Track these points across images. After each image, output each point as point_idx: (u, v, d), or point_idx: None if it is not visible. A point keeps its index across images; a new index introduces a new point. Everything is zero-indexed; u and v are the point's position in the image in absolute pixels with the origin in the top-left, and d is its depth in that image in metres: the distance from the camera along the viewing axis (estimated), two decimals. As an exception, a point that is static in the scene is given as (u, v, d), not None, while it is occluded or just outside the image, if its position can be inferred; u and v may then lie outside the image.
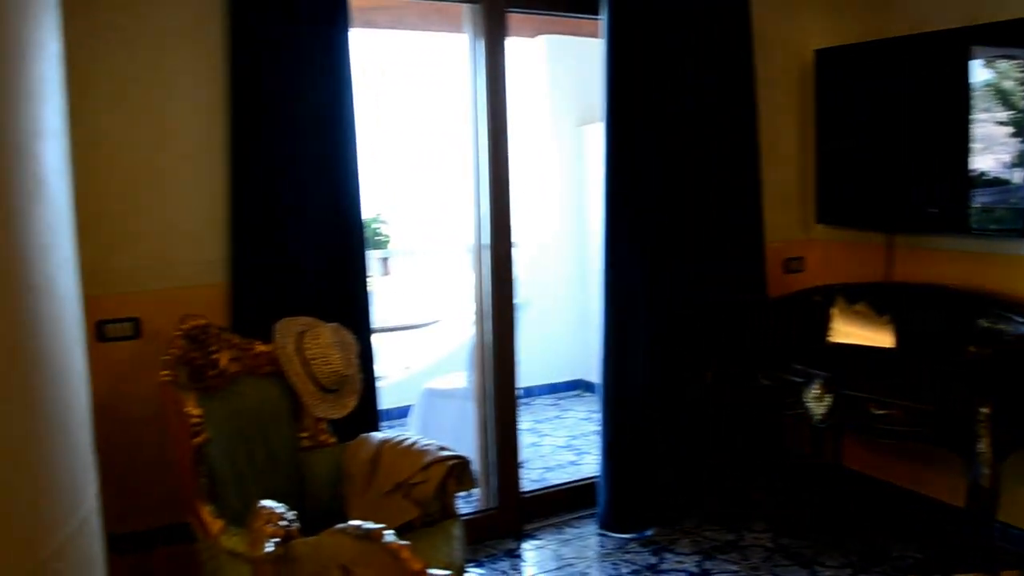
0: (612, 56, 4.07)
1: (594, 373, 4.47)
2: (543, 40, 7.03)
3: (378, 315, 4.03)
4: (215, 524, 2.68)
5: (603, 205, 4.14)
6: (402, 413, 6.16)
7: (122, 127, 3.25)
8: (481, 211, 4.13)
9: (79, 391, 1.11)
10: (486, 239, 4.13)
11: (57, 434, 1.03)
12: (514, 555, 4.13)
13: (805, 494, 4.70)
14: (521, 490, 4.41)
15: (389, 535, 1.59)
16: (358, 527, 1.66)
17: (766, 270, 4.58)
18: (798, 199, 4.93)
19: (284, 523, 1.99)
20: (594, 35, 4.19)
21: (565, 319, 7.16)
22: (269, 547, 1.92)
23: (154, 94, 3.32)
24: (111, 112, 3.22)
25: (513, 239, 4.23)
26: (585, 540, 4.25)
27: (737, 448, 4.49)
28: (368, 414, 3.59)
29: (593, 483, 4.44)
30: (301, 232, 3.47)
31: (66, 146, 1.12)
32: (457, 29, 4.21)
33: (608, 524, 4.31)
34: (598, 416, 4.27)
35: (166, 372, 2.75)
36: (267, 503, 2.08)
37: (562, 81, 7.17)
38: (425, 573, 1.51)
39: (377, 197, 7.30)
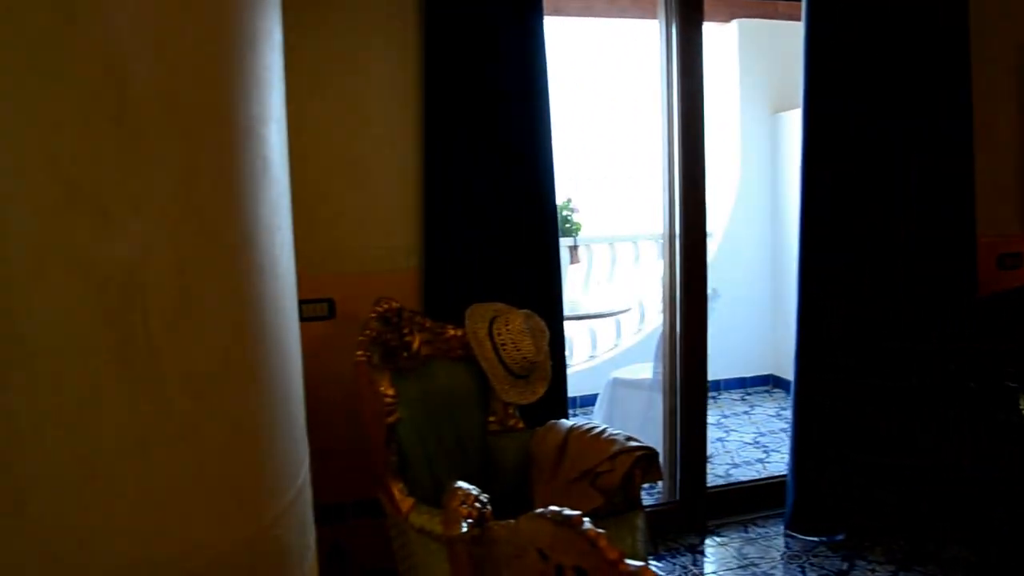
0: (813, 38, 3.90)
1: (785, 369, 4.33)
2: (735, 25, 6.88)
3: (567, 303, 4.05)
4: (405, 501, 2.77)
5: (800, 194, 3.99)
6: (587, 401, 6.18)
7: (322, 114, 3.40)
8: (674, 199, 4.07)
9: (296, 366, 1.16)
10: (678, 228, 4.08)
11: (278, 407, 1.08)
12: (696, 550, 4.07)
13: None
14: (707, 485, 4.33)
15: (587, 523, 1.59)
16: (557, 512, 1.67)
17: (977, 266, 4.28)
18: (1016, 190, 4.60)
19: (478, 504, 2.03)
20: (792, 17, 4.05)
21: (756, 312, 6.98)
22: (463, 527, 1.96)
23: (352, 82, 3.45)
24: (312, 99, 3.37)
25: (706, 228, 4.15)
26: (770, 540, 4.13)
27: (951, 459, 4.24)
28: (557, 401, 3.61)
29: (781, 482, 4.30)
30: (494, 218, 3.53)
31: (286, 132, 1.17)
32: (647, 15, 4.17)
33: (795, 525, 4.16)
34: (789, 414, 4.14)
35: (361, 352, 2.85)
36: (462, 484, 2.12)
37: (755, 66, 6.98)
38: (622, 563, 1.50)
39: (568, 184, 7.34)
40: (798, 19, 3.97)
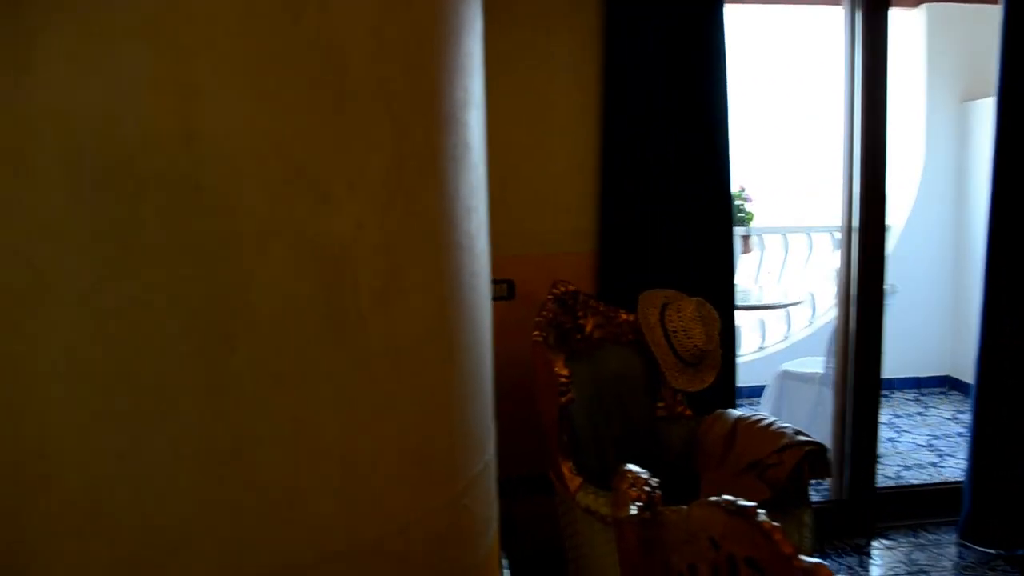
0: (1011, 22, 3.64)
1: (963, 371, 4.11)
2: (924, 10, 6.54)
3: (737, 292, 3.98)
4: (574, 480, 2.79)
5: (990, 187, 3.75)
6: (754, 392, 6.05)
7: (505, 100, 3.45)
8: (852, 191, 3.92)
9: (488, 344, 1.19)
10: (856, 221, 3.93)
11: (472, 382, 1.11)
12: (863, 552, 3.92)
13: None
14: (876, 486, 4.17)
15: (763, 514, 1.57)
16: (732, 502, 1.65)
17: None
18: None
19: (648, 488, 2.02)
20: (986, 1, 3.81)
21: (935, 311, 6.63)
22: (633, 510, 1.96)
23: (535, 69, 3.49)
24: (496, 86, 3.42)
25: (886, 222, 3.98)
26: (942, 548, 3.93)
27: None
28: (725, 390, 3.56)
29: (956, 488, 4.09)
30: (669, 205, 3.50)
31: (484, 118, 1.20)
32: (831, 1, 4.02)
33: (970, 535, 3.93)
34: (966, 418, 3.92)
35: (538, 333, 2.89)
36: (632, 466, 2.12)
37: (944, 53, 6.60)
38: (797, 558, 1.46)
39: (742, 173, 7.18)
40: (992, 2, 3.73)
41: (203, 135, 0.85)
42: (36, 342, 0.84)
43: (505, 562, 1.30)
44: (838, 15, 3.94)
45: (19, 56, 0.81)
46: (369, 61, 0.94)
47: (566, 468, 2.81)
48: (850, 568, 3.76)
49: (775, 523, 1.54)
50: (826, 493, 4.23)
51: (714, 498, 1.81)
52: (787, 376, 5.26)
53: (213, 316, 0.87)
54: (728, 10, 3.53)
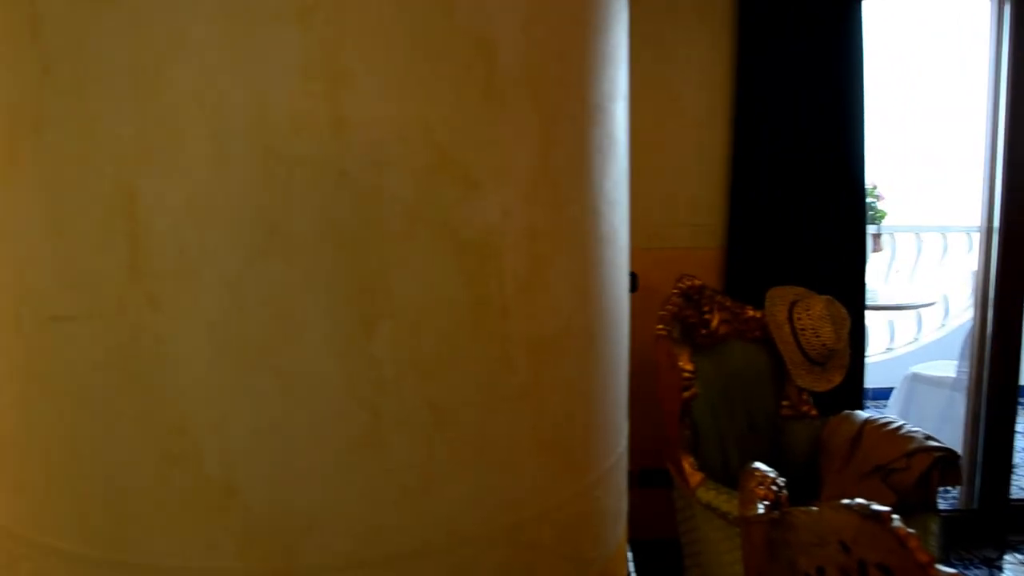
0: None
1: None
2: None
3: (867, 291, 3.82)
4: (694, 476, 2.73)
5: None
6: (880, 395, 5.83)
7: (633, 94, 3.39)
8: (994, 190, 3.72)
9: (625, 337, 1.16)
10: (997, 221, 3.72)
11: (609, 374, 1.09)
12: (993, 564, 3.72)
13: None
14: (1010, 496, 3.95)
15: (897, 520, 1.49)
16: (865, 505, 1.58)
17: None
18: None
19: (775, 488, 1.96)
20: None
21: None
22: (760, 509, 1.90)
23: (664, 62, 3.42)
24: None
25: (1029, 223, 3.76)
26: (1083, 567, 3.71)
27: None
28: (852, 391, 3.43)
29: (1099, 504, 3.85)
30: (800, 201, 3.38)
31: (628, 110, 1.16)
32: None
33: (1114, 555, 3.71)
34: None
35: (662, 327, 2.84)
36: (759, 465, 2.05)
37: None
38: (932, 567, 1.39)
39: (875, 170, 6.90)
40: None
41: (351, 122, 0.84)
42: (181, 322, 0.84)
43: (630, 555, 1.27)
44: (983, 6, 3.74)
45: (171, 42, 0.81)
46: (519, 51, 0.91)
47: (687, 463, 2.75)
48: (979, 580, 3.58)
49: (911, 530, 1.46)
50: (954, 502, 4.04)
51: (847, 501, 1.73)
52: (917, 379, 5.04)
53: (355, 301, 0.86)
54: (867, 3, 3.38)
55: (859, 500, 1.58)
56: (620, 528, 1.20)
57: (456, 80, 0.88)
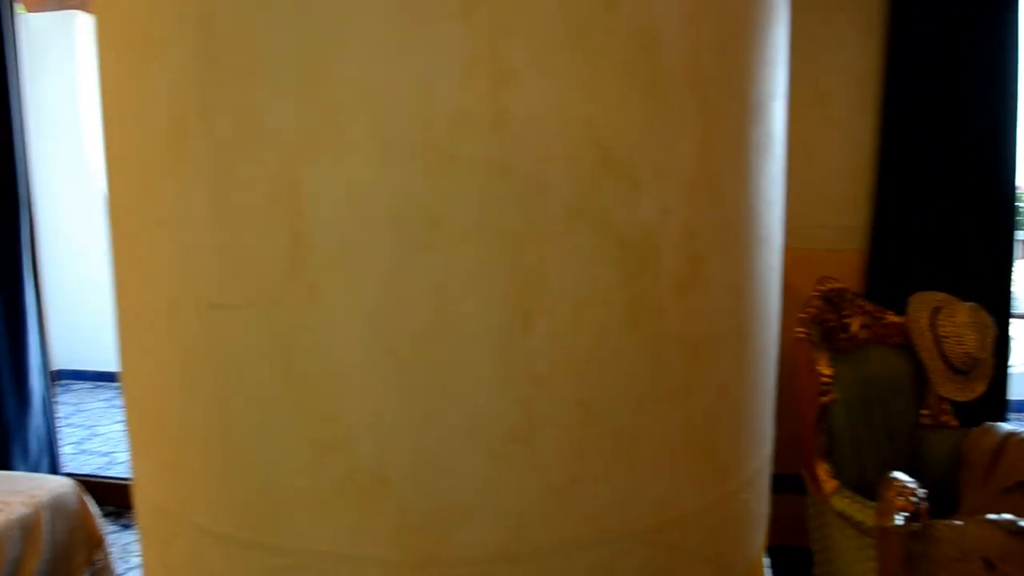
0: None
1: None
2: None
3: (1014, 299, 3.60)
4: (829, 483, 2.62)
5: None
6: (1024, 407, 5.52)
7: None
8: None
9: (775, 340, 1.10)
10: None
11: (760, 376, 1.04)
12: None
13: None
14: None
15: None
16: (1011, 522, 1.47)
17: None
18: None
19: (915, 499, 1.85)
20: None
21: None
22: (898, 519, 1.80)
23: (809, 61, 3.29)
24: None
25: None
26: None
27: None
28: (996, 403, 3.23)
29: None
30: (947, 205, 3.21)
31: (786, 109, 1.10)
32: None
33: None
34: None
35: (802, 329, 2.73)
36: (899, 474, 1.95)
37: None
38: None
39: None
40: None
41: (514, 117, 0.82)
42: (339, 312, 0.84)
43: (767, 560, 1.21)
44: None
45: (336, 36, 0.80)
46: (683, 48, 0.87)
47: (822, 470, 2.64)
48: None
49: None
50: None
51: (993, 516, 1.62)
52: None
53: (513, 296, 0.83)
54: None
55: (1007, 516, 1.48)
56: (762, 533, 1.15)
57: (619, 76, 0.84)
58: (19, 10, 4.91)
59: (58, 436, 5.24)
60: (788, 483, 2.98)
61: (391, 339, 0.83)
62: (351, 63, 0.80)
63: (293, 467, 0.88)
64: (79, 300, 7.92)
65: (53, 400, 5.18)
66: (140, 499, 1.08)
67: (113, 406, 7.61)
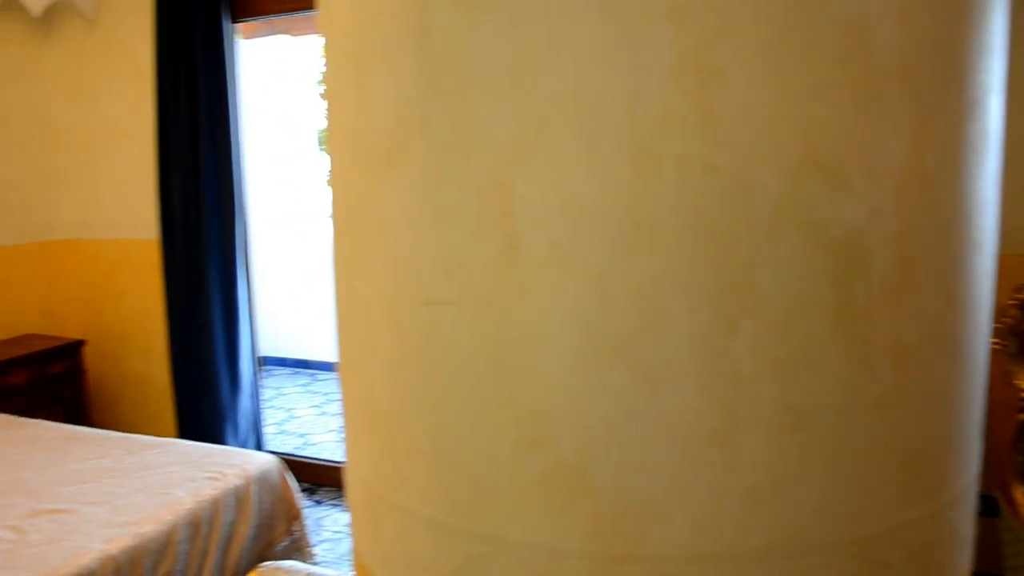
0: None
1: None
2: None
3: None
4: (1026, 505, 2.43)
5: None
6: None
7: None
8: None
9: (986, 350, 1.02)
10: None
11: (970, 388, 0.97)
12: None
13: None
14: None
15: None
16: None
17: None
18: None
19: None
20: None
21: None
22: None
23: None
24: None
25: None
26: None
27: None
28: None
29: None
30: None
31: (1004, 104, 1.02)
32: None
33: None
34: None
35: (998, 341, 2.54)
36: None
37: None
38: None
39: None
40: None
41: (721, 118, 0.79)
42: (547, 311, 0.84)
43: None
44: None
45: (547, 44, 0.81)
46: (895, 40, 0.82)
47: (1019, 492, 2.45)
48: None
49: None
50: None
51: None
52: None
53: (718, 298, 0.81)
54: None
55: None
56: (968, 557, 1.06)
57: (828, 73, 0.80)
58: (237, 38, 5.27)
59: (262, 417, 5.57)
60: (980, 504, 2.77)
61: (596, 339, 0.83)
62: (561, 70, 0.80)
63: (498, 459, 0.88)
64: (280, 296, 8.42)
65: (259, 384, 5.51)
66: (353, 480, 1.12)
67: (309, 391, 8.02)
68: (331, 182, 1.07)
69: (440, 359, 0.90)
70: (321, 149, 9.33)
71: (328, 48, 1.06)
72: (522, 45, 0.81)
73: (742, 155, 0.79)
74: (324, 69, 1.09)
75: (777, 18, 0.79)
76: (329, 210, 1.09)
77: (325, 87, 1.09)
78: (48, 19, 6.03)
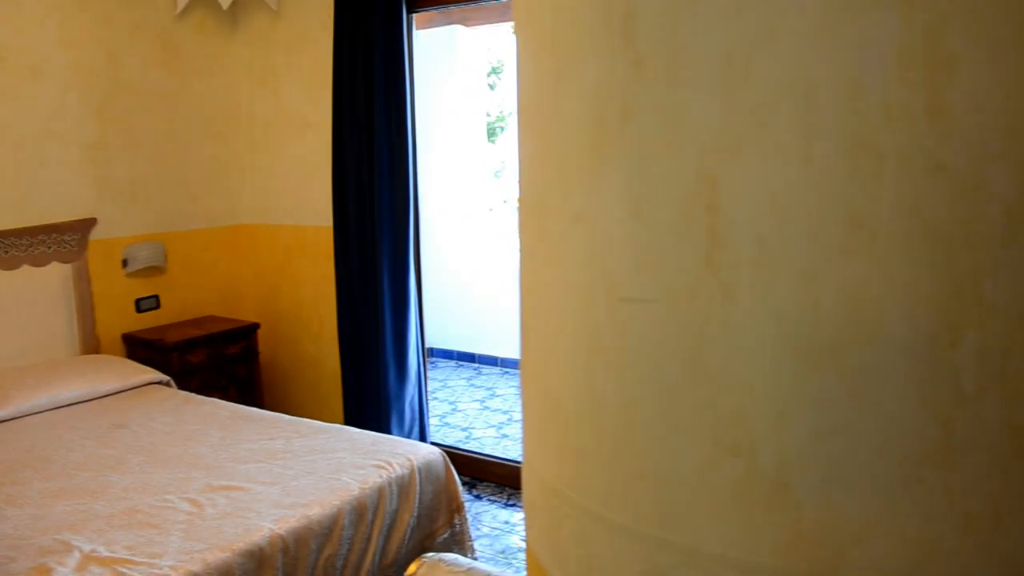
0: None
1: None
2: None
3: None
4: None
5: None
6: None
7: None
8: None
9: None
10: None
11: None
12: None
13: None
14: None
15: None
16: None
17: None
18: None
19: None
20: None
21: None
22: None
23: None
24: None
25: None
26: None
27: None
28: None
29: None
30: None
31: None
32: None
33: None
34: None
35: None
36: None
37: None
38: None
39: None
40: None
41: (951, 111, 0.75)
42: (751, 313, 0.82)
43: None
44: None
45: (763, 32, 0.78)
46: None
47: None
48: None
49: None
50: None
51: None
52: None
53: (939, 306, 0.77)
54: None
55: None
56: None
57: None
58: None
59: (427, 408, 5.72)
60: None
61: (803, 343, 0.80)
62: (778, 59, 0.78)
63: (691, 465, 0.87)
64: (447, 288, 8.60)
65: (425, 375, 5.67)
66: (531, 476, 1.13)
67: (472, 385, 8.18)
68: (521, 173, 1.09)
69: (634, 358, 0.89)
70: (490, 141, 9.49)
71: (522, 36, 1.07)
72: (736, 32, 0.79)
73: (973, 152, 0.74)
74: (517, 57, 1.10)
75: (1013, 1, 0.74)
76: (517, 202, 1.11)
77: (517, 76, 1.10)
78: (236, 11, 6.42)
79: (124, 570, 2.89)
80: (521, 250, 1.09)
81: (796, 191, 0.78)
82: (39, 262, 5.33)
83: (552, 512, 1.07)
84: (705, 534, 0.89)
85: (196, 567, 2.94)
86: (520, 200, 1.09)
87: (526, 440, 1.14)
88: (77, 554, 3.00)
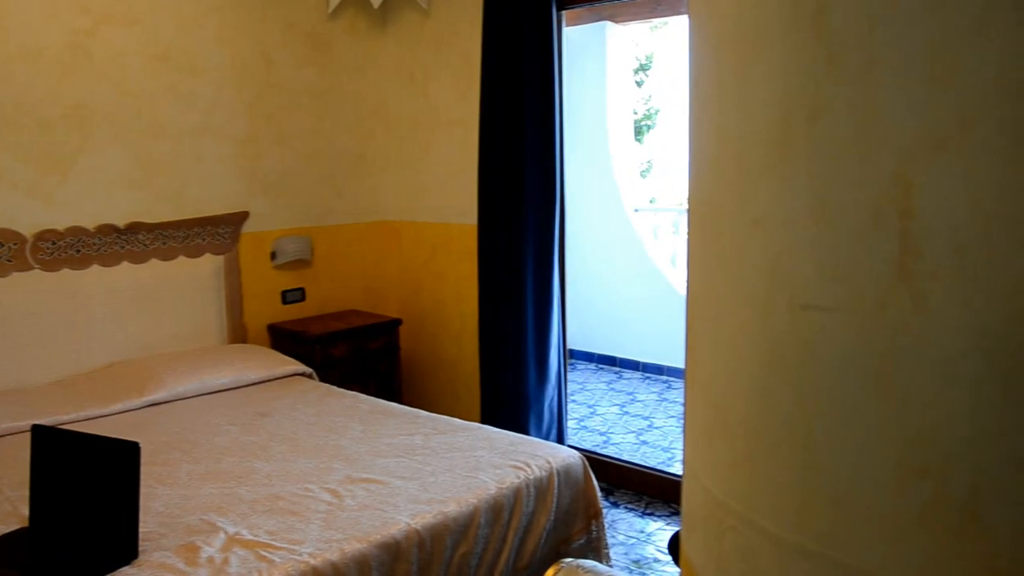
0: None
1: None
2: None
3: None
4: None
5: None
6: None
7: None
8: None
9: None
10: None
11: None
12: None
13: None
14: None
15: None
16: None
17: None
18: None
19: None
20: None
21: None
22: None
23: None
24: None
25: None
26: None
27: None
28: None
29: None
30: None
31: None
32: None
33: None
34: None
35: None
36: None
37: None
38: None
39: None
40: None
41: None
42: (948, 327, 0.78)
43: None
44: None
45: (972, 26, 0.75)
46: None
47: None
48: None
49: None
50: None
51: None
52: None
53: None
54: None
55: None
56: None
57: None
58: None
59: (566, 410, 5.73)
60: None
61: (1003, 362, 0.76)
62: (987, 56, 0.74)
63: (873, 485, 0.84)
64: (589, 289, 8.59)
65: (565, 377, 5.68)
66: (694, 486, 1.12)
67: (612, 389, 8.14)
68: (691, 175, 1.08)
69: (815, 370, 0.87)
70: (637, 139, 9.43)
71: (699, 33, 1.06)
72: (941, 27, 0.76)
73: None
74: (691, 51, 1.09)
75: None
76: (688, 205, 1.09)
77: (691, 71, 1.09)
78: (386, 10, 6.60)
79: (266, 554, 3.02)
80: (689, 254, 1.08)
81: (1002, 197, 0.74)
82: (194, 253, 5.63)
83: (716, 524, 1.06)
84: (883, 559, 0.85)
85: (334, 556, 3.03)
86: (691, 202, 1.08)
87: (689, 449, 1.13)
88: (223, 535, 3.15)
